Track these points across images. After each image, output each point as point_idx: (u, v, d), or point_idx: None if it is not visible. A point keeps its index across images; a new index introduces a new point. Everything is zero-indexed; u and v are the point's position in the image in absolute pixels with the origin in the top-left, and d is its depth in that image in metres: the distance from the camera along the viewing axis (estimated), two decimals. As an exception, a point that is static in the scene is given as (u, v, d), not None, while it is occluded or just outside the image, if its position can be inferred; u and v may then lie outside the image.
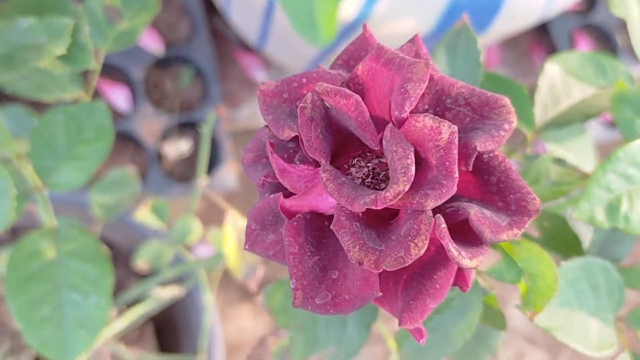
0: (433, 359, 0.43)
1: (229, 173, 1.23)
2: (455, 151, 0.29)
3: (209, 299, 0.96)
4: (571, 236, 0.49)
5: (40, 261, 0.58)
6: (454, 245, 0.29)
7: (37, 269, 0.57)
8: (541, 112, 0.54)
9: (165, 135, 1.23)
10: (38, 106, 1.13)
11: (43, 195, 0.62)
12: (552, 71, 0.55)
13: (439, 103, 0.32)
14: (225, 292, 1.33)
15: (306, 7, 0.84)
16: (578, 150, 0.56)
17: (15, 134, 0.70)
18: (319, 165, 0.31)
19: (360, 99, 0.30)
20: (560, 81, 0.55)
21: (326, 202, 0.32)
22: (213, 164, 1.23)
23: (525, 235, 0.49)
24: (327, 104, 0.31)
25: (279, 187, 0.33)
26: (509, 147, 0.58)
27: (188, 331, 1.07)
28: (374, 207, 0.28)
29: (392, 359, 0.55)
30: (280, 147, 0.34)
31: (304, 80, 0.33)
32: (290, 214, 0.32)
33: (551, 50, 1.47)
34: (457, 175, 0.29)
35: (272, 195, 0.32)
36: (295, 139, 0.32)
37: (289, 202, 0.32)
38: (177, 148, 1.23)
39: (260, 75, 1.36)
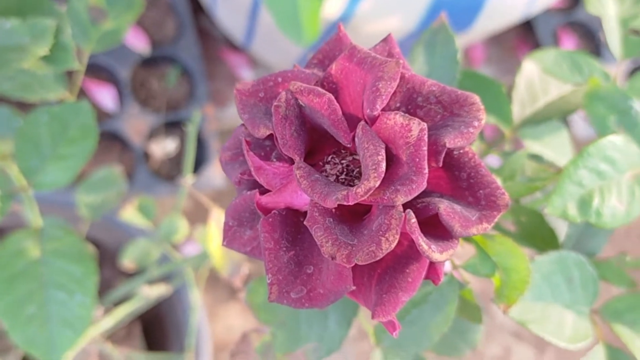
0: (411, 352, 0.44)
1: (216, 172, 1.23)
2: (425, 148, 0.29)
3: (196, 297, 0.96)
4: (547, 231, 0.49)
5: (25, 260, 0.58)
6: (424, 239, 0.29)
7: (22, 268, 0.58)
8: (519, 109, 0.55)
9: (152, 135, 1.23)
10: (23, 106, 1.13)
11: (28, 195, 0.63)
12: (530, 69, 0.56)
13: (411, 101, 0.33)
14: (213, 290, 1.33)
15: (290, 7, 0.84)
16: (555, 147, 0.57)
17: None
18: (294, 163, 0.32)
19: (332, 97, 0.31)
20: (538, 78, 0.56)
21: (301, 199, 0.32)
22: (200, 162, 1.23)
23: (503, 230, 0.50)
24: (301, 103, 0.32)
25: (255, 185, 0.34)
26: (488, 144, 0.59)
27: (176, 329, 1.07)
28: (345, 203, 0.29)
29: (374, 353, 0.56)
30: (257, 145, 0.34)
31: (280, 79, 0.34)
32: (266, 211, 0.33)
33: (536, 47, 1.48)
34: (426, 171, 0.29)
35: (248, 192, 0.33)
36: (271, 137, 0.33)
37: (264, 199, 0.32)
38: (164, 147, 1.23)
39: (247, 74, 1.36)
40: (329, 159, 0.34)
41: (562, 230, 0.51)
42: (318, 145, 0.34)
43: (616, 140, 0.43)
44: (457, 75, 0.51)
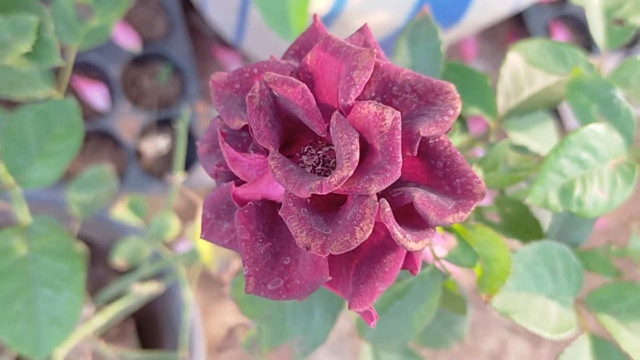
0: (395, 343, 0.44)
1: (209, 169, 1.23)
2: (399, 137, 0.29)
3: (188, 295, 0.96)
4: (532, 222, 0.49)
5: (12, 258, 0.58)
6: (399, 228, 0.29)
7: (9, 265, 0.58)
8: (504, 101, 0.55)
9: (144, 133, 1.23)
10: (9, 105, 1.13)
11: (16, 193, 0.63)
12: (515, 60, 0.56)
13: (386, 90, 0.33)
14: (207, 288, 1.33)
15: (278, 3, 0.84)
16: (541, 138, 0.57)
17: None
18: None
19: (306, 87, 0.31)
20: (523, 70, 0.56)
21: (277, 190, 0.32)
22: (191, 160, 1.23)
23: (487, 222, 0.50)
24: (275, 93, 0.32)
25: (232, 177, 0.34)
26: (474, 137, 0.59)
27: (169, 327, 1.07)
28: (319, 193, 0.29)
29: (363, 347, 0.56)
30: (234, 137, 0.34)
31: (255, 70, 0.34)
32: (243, 202, 0.32)
33: (528, 41, 1.48)
34: (400, 160, 0.29)
35: (224, 184, 0.33)
36: (247, 128, 0.33)
37: (241, 191, 0.32)
38: (155, 145, 1.23)
39: (239, 72, 1.36)
40: (306, 149, 0.34)
41: (547, 221, 0.51)
42: (295, 136, 0.34)
43: (598, 129, 0.43)
44: (441, 67, 0.51)
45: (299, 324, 0.49)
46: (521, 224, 0.49)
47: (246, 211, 0.32)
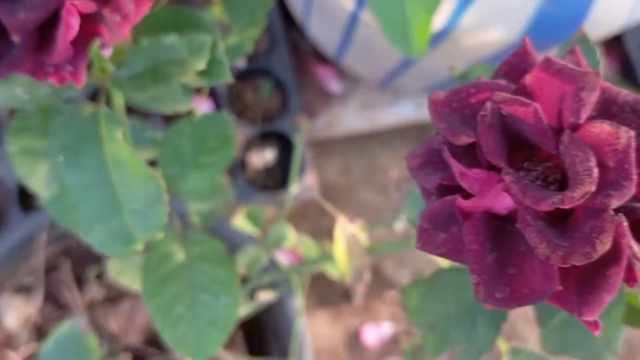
0: (575, 355, 0.45)
1: (310, 183, 1.26)
2: (633, 154, 0.31)
3: (300, 304, 0.99)
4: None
5: (173, 263, 0.61)
6: (635, 242, 0.31)
7: (171, 270, 0.61)
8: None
9: (249, 145, 1.27)
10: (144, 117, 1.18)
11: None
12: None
13: (605, 110, 0.34)
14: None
15: (400, 19, 0.86)
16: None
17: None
18: (493, 169, 0.34)
19: (539, 107, 0.33)
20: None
21: (501, 203, 0.34)
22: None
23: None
24: (503, 112, 0.33)
25: (451, 190, 0.35)
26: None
27: (275, 336, 1.10)
28: (560, 206, 0.30)
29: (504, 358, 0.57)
30: (450, 153, 0.36)
31: (473, 90, 0.36)
32: (466, 215, 0.34)
33: (624, 59, 1.47)
34: (635, 177, 0.31)
35: (448, 197, 0.35)
36: (467, 145, 0.35)
37: (466, 203, 0.34)
38: (263, 157, 1.26)
39: (335, 86, 1.39)
40: (523, 165, 0.35)
41: None
42: (510, 154, 0.36)
43: None
44: (600, 85, 0.52)
45: (463, 334, 0.51)
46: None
47: (475, 223, 0.33)
